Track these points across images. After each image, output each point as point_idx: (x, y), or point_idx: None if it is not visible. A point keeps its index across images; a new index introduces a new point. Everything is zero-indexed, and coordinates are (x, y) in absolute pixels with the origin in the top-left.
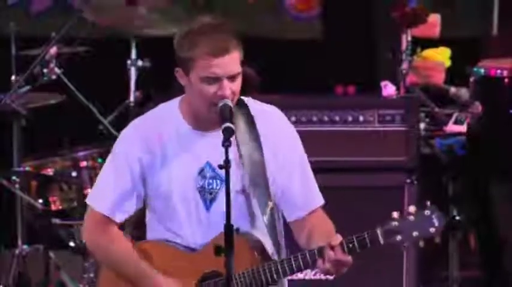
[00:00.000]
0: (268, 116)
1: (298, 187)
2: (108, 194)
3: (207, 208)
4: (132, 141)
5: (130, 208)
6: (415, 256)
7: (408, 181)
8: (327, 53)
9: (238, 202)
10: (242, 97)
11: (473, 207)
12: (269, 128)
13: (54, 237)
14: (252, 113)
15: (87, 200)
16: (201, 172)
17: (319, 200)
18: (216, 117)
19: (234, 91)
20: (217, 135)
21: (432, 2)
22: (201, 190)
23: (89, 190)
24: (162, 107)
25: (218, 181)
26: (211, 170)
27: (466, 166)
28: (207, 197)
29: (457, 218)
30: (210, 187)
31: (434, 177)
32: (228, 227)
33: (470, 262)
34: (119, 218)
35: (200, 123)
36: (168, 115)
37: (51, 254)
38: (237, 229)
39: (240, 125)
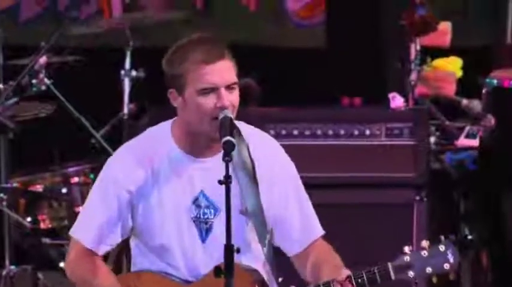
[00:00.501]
0: (261, 142)
1: (295, 219)
2: (93, 226)
3: (203, 240)
4: (121, 168)
5: (115, 240)
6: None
7: (417, 198)
8: (332, 63)
9: (235, 224)
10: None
11: (485, 224)
12: (261, 156)
13: (44, 257)
14: (245, 138)
15: (71, 232)
16: (195, 201)
17: (319, 231)
18: (215, 136)
19: (232, 103)
20: (212, 162)
21: (443, 9)
22: (196, 220)
23: (80, 208)
24: (153, 130)
25: (212, 210)
26: (205, 199)
27: (477, 182)
28: (203, 227)
29: (469, 237)
30: (205, 216)
31: (445, 193)
32: (229, 247)
33: (483, 281)
34: (103, 250)
35: (194, 148)
36: (158, 139)
37: (40, 275)
38: (238, 249)
39: (237, 150)
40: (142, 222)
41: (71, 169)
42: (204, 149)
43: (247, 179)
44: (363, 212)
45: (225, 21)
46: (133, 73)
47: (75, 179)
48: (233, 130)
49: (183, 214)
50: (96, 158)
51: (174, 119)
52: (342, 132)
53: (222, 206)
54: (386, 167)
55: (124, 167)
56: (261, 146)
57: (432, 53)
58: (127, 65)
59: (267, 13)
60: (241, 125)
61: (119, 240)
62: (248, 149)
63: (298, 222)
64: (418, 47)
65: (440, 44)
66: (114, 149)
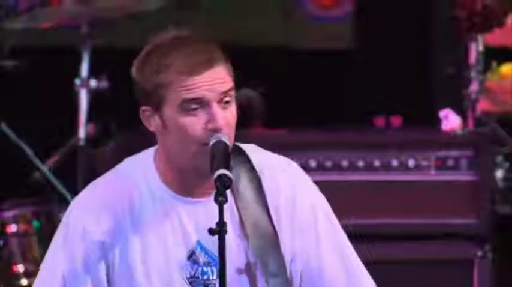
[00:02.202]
0: (278, 172)
1: (335, 270)
2: None
3: None
4: (90, 214)
5: None
6: None
7: (479, 252)
8: (361, 69)
9: (241, 283)
10: (239, 144)
11: None
12: (282, 192)
13: None
14: (256, 169)
15: None
16: (191, 256)
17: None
18: (207, 162)
19: (229, 123)
20: (211, 203)
21: None
22: (193, 281)
23: (20, 267)
24: (130, 163)
25: (214, 269)
26: (204, 253)
27: None
28: None
29: None
30: (205, 276)
31: None
32: None
33: None
34: None
35: (185, 185)
36: (139, 175)
37: None
38: None
39: (242, 187)
40: (121, 283)
41: (7, 214)
42: (197, 186)
43: (259, 231)
44: (407, 272)
45: (214, 14)
46: (93, 83)
47: (13, 228)
48: (229, 160)
49: (175, 273)
50: (42, 199)
51: (155, 147)
52: (376, 163)
53: (227, 263)
54: (437, 211)
55: (92, 213)
56: (279, 176)
57: (499, 55)
58: (84, 72)
59: (272, 3)
60: (248, 148)
61: None
62: (261, 185)
63: (339, 274)
64: (481, 48)
65: (510, 44)
66: (66, 186)
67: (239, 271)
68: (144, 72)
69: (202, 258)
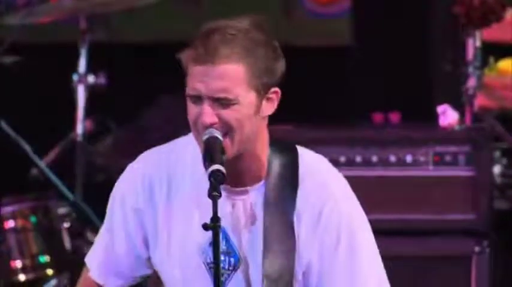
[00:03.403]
0: (319, 184)
1: None
2: (98, 252)
3: None
4: (131, 183)
5: (131, 273)
6: None
7: (477, 248)
8: (359, 65)
9: (238, 281)
10: (300, 148)
11: None
12: (315, 202)
13: None
14: (300, 177)
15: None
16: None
17: None
18: None
19: (226, 121)
20: (248, 193)
21: None
22: (212, 267)
23: (18, 263)
24: (188, 137)
25: (232, 259)
26: (225, 242)
27: None
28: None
29: None
30: (221, 265)
31: None
32: None
33: None
34: (114, 284)
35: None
36: (190, 152)
37: None
38: None
39: (278, 190)
40: (152, 254)
41: (5, 209)
42: (230, 176)
43: (278, 232)
44: (405, 267)
45: (213, 10)
46: (91, 79)
47: (11, 223)
48: (222, 155)
49: (195, 256)
50: (39, 195)
51: None
52: (374, 159)
53: (248, 256)
54: (435, 207)
55: (133, 182)
56: (314, 185)
57: (497, 51)
58: (82, 67)
59: (271, 0)
60: (303, 154)
61: (137, 273)
62: (296, 189)
63: None
64: (478, 44)
65: (508, 40)
66: (64, 182)
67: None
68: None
69: (221, 247)
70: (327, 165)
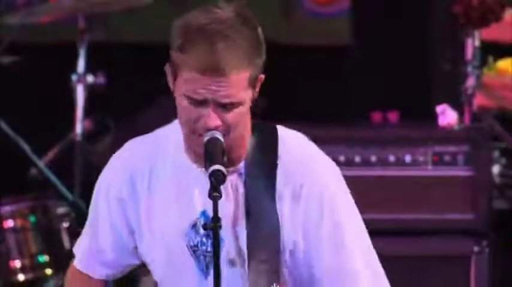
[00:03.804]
0: (298, 161)
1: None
2: (83, 242)
3: (205, 275)
4: (115, 173)
5: (116, 262)
6: None
7: (476, 248)
8: (358, 64)
9: (233, 276)
10: (281, 127)
11: None
12: (295, 178)
13: None
14: (279, 152)
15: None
16: (195, 225)
17: None
18: (197, 149)
19: (228, 123)
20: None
21: None
22: (197, 250)
23: (17, 262)
24: (172, 127)
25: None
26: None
27: None
28: (204, 260)
29: None
30: (204, 247)
31: None
32: None
33: None
34: (100, 273)
35: (197, 156)
36: (172, 142)
37: None
38: None
39: (257, 162)
40: (139, 245)
41: (4, 209)
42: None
43: (261, 214)
44: (404, 267)
45: None
46: (90, 78)
47: (10, 223)
48: (223, 156)
49: (179, 241)
50: (38, 195)
51: None
52: (373, 159)
53: (228, 236)
54: (434, 207)
55: (118, 175)
56: (293, 162)
57: (496, 51)
58: (81, 67)
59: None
60: (283, 133)
61: (126, 263)
62: (276, 168)
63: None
64: (477, 43)
65: (506, 39)
66: (63, 182)
67: (231, 262)
68: (175, 37)
69: (202, 229)
70: (305, 141)
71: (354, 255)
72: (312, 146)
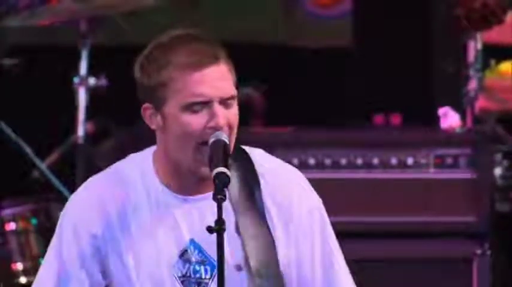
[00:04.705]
0: (280, 180)
1: (318, 275)
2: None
3: None
4: (84, 210)
5: None
6: None
7: (479, 251)
8: (361, 67)
9: (236, 282)
10: (245, 147)
11: None
12: (279, 198)
13: None
14: (258, 172)
15: None
16: (184, 254)
17: None
18: (205, 162)
19: (230, 123)
20: (206, 201)
21: None
22: (185, 280)
23: (19, 265)
24: (129, 161)
25: (208, 267)
26: (197, 252)
27: None
28: None
29: None
30: (197, 275)
31: None
32: None
33: None
34: None
35: (181, 183)
36: (137, 173)
37: None
38: None
39: (241, 190)
40: (115, 281)
41: (6, 212)
42: (194, 184)
43: (254, 233)
44: (406, 270)
45: (213, 13)
46: (92, 81)
47: (12, 226)
48: (228, 158)
49: (166, 271)
50: (40, 197)
51: (155, 146)
52: (375, 161)
53: (228, 260)
54: (436, 209)
55: (85, 209)
56: (277, 182)
57: (498, 53)
58: (83, 69)
59: (271, 1)
60: (253, 152)
61: None
62: (259, 187)
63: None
64: (479, 46)
65: (508, 42)
66: (65, 184)
67: (233, 270)
68: (146, 69)
69: (195, 257)
70: (275, 159)
71: (337, 252)
72: (284, 163)
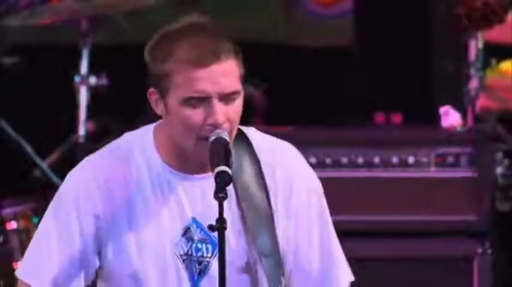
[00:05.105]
0: (279, 157)
1: (315, 257)
2: (48, 266)
3: (195, 284)
4: (85, 187)
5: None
6: None
7: (479, 250)
8: (361, 66)
9: (239, 280)
10: (241, 127)
11: None
12: (280, 175)
13: None
14: (256, 151)
15: (19, 274)
16: (187, 232)
17: (346, 276)
18: (206, 155)
19: (231, 119)
20: (209, 180)
21: None
22: (186, 259)
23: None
24: (129, 137)
25: (210, 246)
26: (199, 230)
27: None
28: (195, 268)
29: None
30: (199, 253)
31: None
32: None
33: None
34: None
35: (183, 162)
36: (137, 150)
37: None
38: None
39: (242, 169)
40: (112, 261)
41: (7, 211)
42: (198, 163)
43: (256, 209)
44: (407, 269)
45: (214, 11)
46: (93, 80)
47: (13, 225)
48: (229, 156)
49: (169, 250)
50: (41, 196)
51: (158, 122)
52: (376, 160)
53: (227, 262)
54: (437, 208)
55: (88, 188)
56: (280, 161)
57: (499, 52)
58: (83, 69)
59: (272, 0)
60: (250, 132)
61: (83, 286)
62: (260, 167)
63: (319, 261)
64: (480, 45)
65: (509, 41)
66: None
67: (239, 270)
68: (155, 55)
69: (197, 235)
70: (271, 137)
71: (339, 254)
72: (268, 135)
